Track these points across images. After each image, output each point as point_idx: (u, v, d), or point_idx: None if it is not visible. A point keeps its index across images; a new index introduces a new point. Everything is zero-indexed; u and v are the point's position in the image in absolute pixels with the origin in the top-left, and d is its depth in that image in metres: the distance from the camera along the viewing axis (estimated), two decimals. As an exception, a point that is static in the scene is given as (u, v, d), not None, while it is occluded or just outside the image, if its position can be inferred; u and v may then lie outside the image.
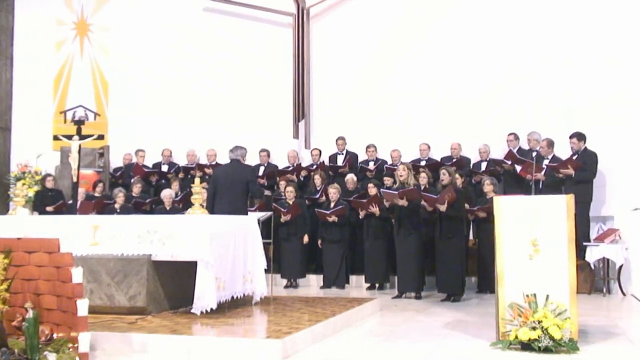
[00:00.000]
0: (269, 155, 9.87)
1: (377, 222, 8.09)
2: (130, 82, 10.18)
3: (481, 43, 8.98)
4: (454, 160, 8.92)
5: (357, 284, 8.50)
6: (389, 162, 9.16)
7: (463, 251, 7.27)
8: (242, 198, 6.72)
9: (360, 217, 8.07)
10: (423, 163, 8.92)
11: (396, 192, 7.14)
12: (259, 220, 6.33)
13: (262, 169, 9.66)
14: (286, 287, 8.40)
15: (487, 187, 7.70)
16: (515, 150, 8.55)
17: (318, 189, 8.85)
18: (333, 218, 8.17)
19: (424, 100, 9.27)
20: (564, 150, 8.17)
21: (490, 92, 8.97)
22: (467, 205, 7.49)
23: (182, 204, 8.53)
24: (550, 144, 8.23)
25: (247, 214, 6.66)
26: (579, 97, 8.51)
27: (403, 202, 7.14)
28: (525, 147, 8.70)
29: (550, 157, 8.21)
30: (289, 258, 8.42)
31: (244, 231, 5.75)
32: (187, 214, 5.52)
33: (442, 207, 6.96)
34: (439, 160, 9.02)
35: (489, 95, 8.98)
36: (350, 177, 8.88)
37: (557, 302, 4.34)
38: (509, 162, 8.34)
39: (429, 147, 9.22)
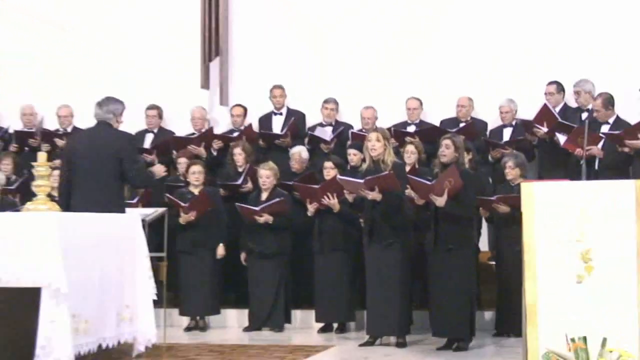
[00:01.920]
0: (160, 116, 9.96)
1: (335, 223, 8.15)
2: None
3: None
4: (461, 125, 9.06)
5: (304, 324, 8.59)
6: (358, 126, 9.35)
7: (472, 270, 7.39)
8: (115, 185, 6.78)
9: (309, 213, 8.16)
10: (411, 129, 9.04)
11: (361, 180, 7.19)
12: (143, 221, 6.49)
13: (149, 137, 9.74)
14: (189, 329, 8.46)
15: (512, 168, 7.85)
16: (557, 110, 8.71)
17: (241, 170, 8.97)
18: (265, 218, 8.22)
19: (414, 31, 9.55)
20: (631, 112, 8.40)
21: (517, 20, 9.40)
22: (479, 197, 7.60)
23: (19, 195, 8.60)
24: (609, 101, 8.44)
25: (123, 211, 6.75)
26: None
27: (374, 195, 7.18)
28: (572, 104, 9.00)
29: (611, 120, 8.41)
30: (194, 283, 8.46)
31: (118, 239, 5.86)
32: (24, 210, 5.58)
33: (440, 200, 7.02)
34: (436, 124, 9.17)
35: (515, 24, 9.39)
36: (297, 153, 9.08)
37: (621, 351, 4.49)
38: (546, 128, 8.50)
39: (421, 103, 9.34)
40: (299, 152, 9.09)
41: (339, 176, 7.75)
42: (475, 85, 9.37)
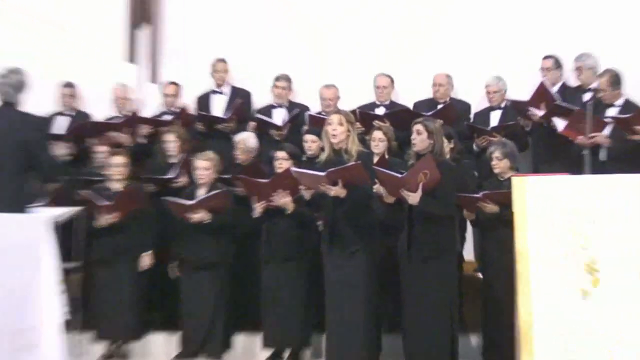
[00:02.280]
0: (75, 95, 9.97)
1: (288, 226, 8.09)
2: None
3: None
4: (440, 106, 9.15)
5: (248, 351, 8.55)
6: (317, 109, 9.51)
7: (454, 284, 7.31)
8: (16, 179, 6.82)
9: (256, 213, 8.05)
10: (380, 111, 9.13)
11: (322, 173, 7.10)
12: (54, 223, 6.38)
13: (62, 121, 9.69)
14: (107, 357, 8.39)
15: (499, 159, 7.89)
16: (555, 89, 8.78)
17: (173, 161, 8.98)
18: (201, 215, 8.17)
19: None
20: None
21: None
22: (461, 195, 7.58)
23: None
24: (616, 80, 8.44)
25: (23, 210, 6.75)
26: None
27: (338, 191, 7.08)
28: (573, 83, 9.11)
29: (618, 102, 8.42)
30: (113, 300, 8.38)
31: (16, 246, 5.86)
32: None
33: (414, 197, 6.96)
34: (409, 106, 9.28)
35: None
36: (243, 140, 9.01)
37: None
38: (541, 111, 8.54)
39: (392, 81, 9.49)
40: (245, 140, 8.98)
41: (293, 168, 7.66)
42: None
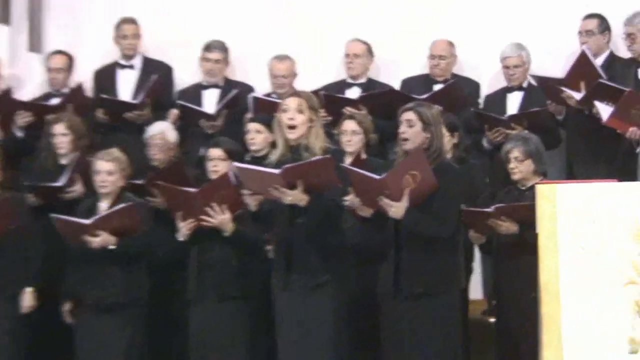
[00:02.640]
0: None
1: (225, 253, 8.18)
2: None
3: None
4: (438, 86, 9.44)
5: None
6: (266, 89, 9.90)
7: (455, 331, 7.38)
8: None
9: (181, 236, 8.13)
10: (353, 93, 9.44)
11: (276, 170, 7.18)
12: None
13: None
14: None
15: (520, 160, 7.96)
16: (599, 61, 8.93)
17: (64, 162, 9.01)
18: (103, 239, 8.16)
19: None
20: None
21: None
22: (467, 209, 7.74)
23: None
24: None
25: None
26: None
27: (296, 196, 7.17)
28: (624, 53, 9.29)
29: None
30: None
31: None
32: None
33: (397, 209, 7.06)
34: (395, 87, 9.67)
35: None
36: (160, 134, 9.17)
37: None
38: (579, 93, 8.62)
39: (369, 50, 9.92)
40: (162, 133, 9.13)
41: (236, 163, 7.75)
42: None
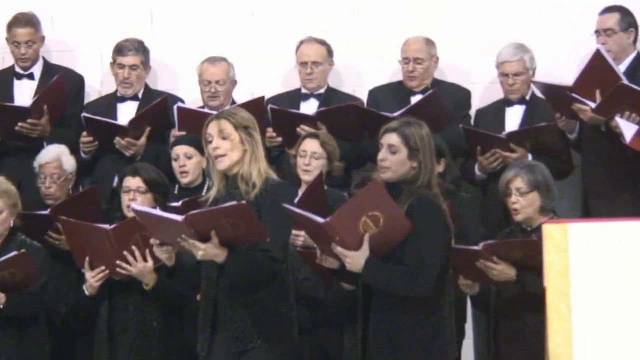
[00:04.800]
0: None
1: (140, 313, 7.72)
2: None
3: None
4: (416, 98, 9.07)
5: None
6: (197, 101, 9.53)
7: None
8: None
9: (88, 291, 7.71)
10: (309, 108, 9.03)
11: (178, 218, 6.62)
12: None
13: None
14: None
15: (523, 192, 7.39)
16: (622, 66, 8.48)
17: None
18: None
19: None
20: None
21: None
22: (456, 247, 7.11)
23: None
24: None
25: None
26: None
27: (207, 251, 6.53)
28: None
29: None
30: None
31: None
32: None
33: (353, 260, 6.37)
34: (361, 98, 9.34)
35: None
36: (54, 158, 8.77)
37: None
38: (595, 103, 8.17)
39: (329, 52, 9.60)
40: (57, 157, 8.71)
41: (133, 206, 7.20)
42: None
